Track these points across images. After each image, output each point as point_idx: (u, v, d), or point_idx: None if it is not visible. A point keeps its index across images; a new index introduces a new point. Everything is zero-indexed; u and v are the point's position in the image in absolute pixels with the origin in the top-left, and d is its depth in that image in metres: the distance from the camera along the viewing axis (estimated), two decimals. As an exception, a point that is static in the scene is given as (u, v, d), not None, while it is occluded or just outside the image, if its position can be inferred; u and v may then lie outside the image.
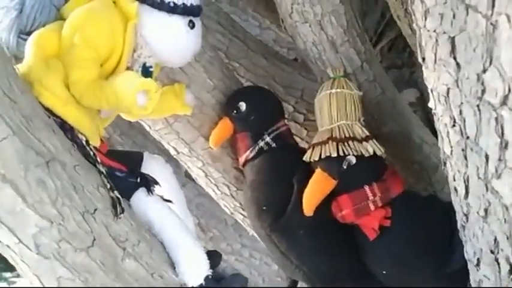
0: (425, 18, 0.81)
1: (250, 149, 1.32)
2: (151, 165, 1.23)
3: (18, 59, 1.11)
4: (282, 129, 1.35)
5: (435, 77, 0.85)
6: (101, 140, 1.15)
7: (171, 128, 1.38)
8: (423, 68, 0.90)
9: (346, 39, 1.33)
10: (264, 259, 2.04)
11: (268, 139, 1.32)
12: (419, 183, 1.55)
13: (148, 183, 1.13)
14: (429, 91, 0.91)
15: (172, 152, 1.46)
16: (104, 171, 1.05)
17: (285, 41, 2.36)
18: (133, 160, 1.21)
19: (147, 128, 1.44)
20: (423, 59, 0.88)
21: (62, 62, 1.07)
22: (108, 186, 1.03)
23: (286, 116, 1.43)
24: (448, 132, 0.88)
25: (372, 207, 1.24)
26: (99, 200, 1.00)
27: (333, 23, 1.30)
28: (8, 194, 0.89)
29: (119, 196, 1.04)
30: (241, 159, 1.35)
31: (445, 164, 0.95)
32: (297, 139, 1.53)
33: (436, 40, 0.81)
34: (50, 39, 1.08)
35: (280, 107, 1.39)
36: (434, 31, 0.81)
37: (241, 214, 1.52)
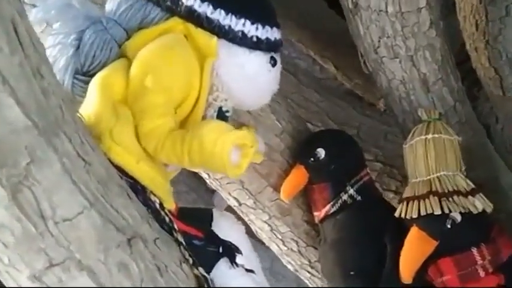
0: None
1: (332, 202, 1.14)
2: (222, 226, 1.04)
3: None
4: (365, 180, 1.17)
5: None
6: (172, 199, 0.96)
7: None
8: None
9: (439, 77, 1.16)
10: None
11: (351, 191, 1.15)
12: (505, 235, 1.39)
13: (232, 252, 0.94)
14: None
15: (233, 203, 1.28)
16: (183, 242, 0.87)
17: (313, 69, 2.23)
18: (203, 220, 1.02)
19: (205, 176, 1.27)
20: None
21: (130, 108, 0.89)
22: (191, 261, 0.85)
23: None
24: None
25: (482, 273, 1.07)
26: (184, 281, 0.81)
27: (427, 59, 1.14)
28: (83, 284, 0.70)
29: (205, 274, 0.85)
30: (320, 214, 1.17)
31: None
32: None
33: None
34: (116, 82, 0.90)
35: (361, 154, 1.21)
36: None
37: (309, 272, 1.33)
